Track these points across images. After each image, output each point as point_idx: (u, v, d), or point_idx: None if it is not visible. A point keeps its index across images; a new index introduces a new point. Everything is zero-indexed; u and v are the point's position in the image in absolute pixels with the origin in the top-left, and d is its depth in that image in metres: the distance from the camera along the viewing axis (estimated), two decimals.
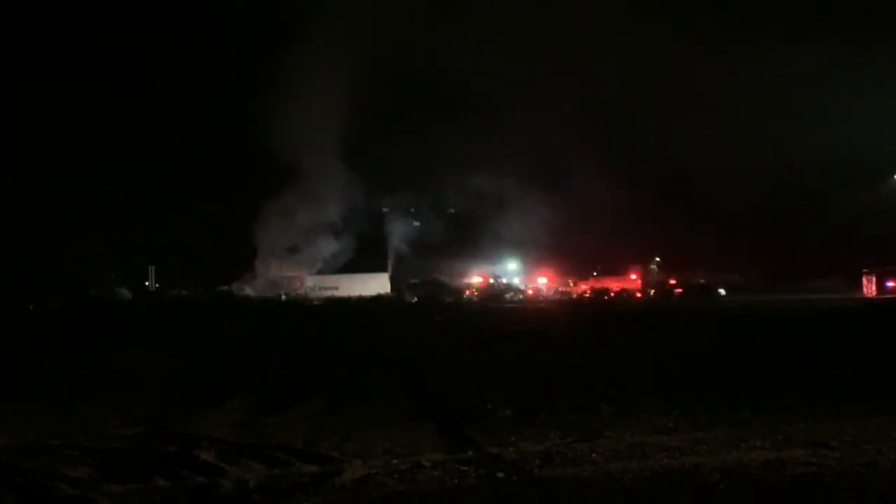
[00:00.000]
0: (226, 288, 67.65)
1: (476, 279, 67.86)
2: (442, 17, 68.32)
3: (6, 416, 10.58)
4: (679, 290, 59.35)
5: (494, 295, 63.72)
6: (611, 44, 65.39)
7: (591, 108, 66.72)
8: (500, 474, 7.22)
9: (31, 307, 50.45)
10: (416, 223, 74.47)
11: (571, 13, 67.49)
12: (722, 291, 57.36)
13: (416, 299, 60.95)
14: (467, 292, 65.32)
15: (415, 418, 10.04)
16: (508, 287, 67.55)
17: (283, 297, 64.66)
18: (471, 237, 71.14)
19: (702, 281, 60.56)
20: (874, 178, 68.19)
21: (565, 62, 68.41)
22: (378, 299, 60.35)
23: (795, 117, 65.46)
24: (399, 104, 77.54)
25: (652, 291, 62.60)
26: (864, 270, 53.56)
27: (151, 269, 69.30)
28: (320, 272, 72.93)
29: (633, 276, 65.02)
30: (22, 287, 54.74)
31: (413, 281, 67.05)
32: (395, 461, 7.75)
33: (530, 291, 66.42)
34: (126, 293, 63.41)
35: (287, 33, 68.21)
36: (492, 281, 68.14)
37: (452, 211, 75.17)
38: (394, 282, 69.73)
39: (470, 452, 8.07)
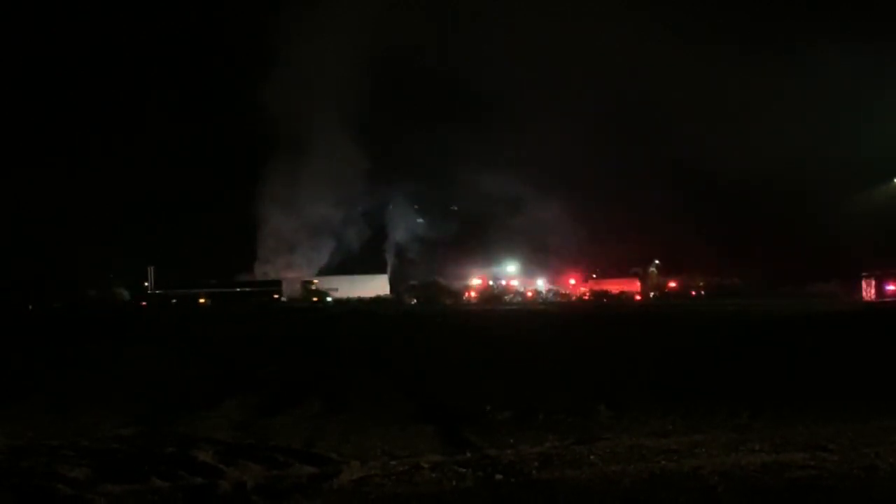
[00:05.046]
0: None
1: (475, 281, 67.83)
2: (454, 16, 68.35)
3: (4, 416, 10.56)
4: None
5: (494, 297, 63.75)
6: (616, 49, 65.50)
7: (595, 114, 66.76)
8: (499, 476, 7.21)
9: (30, 307, 50.50)
10: (420, 220, 74.51)
11: (582, 16, 67.56)
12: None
13: (415, 301, 60.98)
14: (466, 294, 65.29)
15: (413, 420, 10.02)
16: (508, 289, 67.51)
17: (283, 298, 64.63)
18: (471, 239, 71.11)
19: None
20: (874, 181, 68.27)
21: (573, 66, 68.53)
22: (377, 301, 60.37)
23: (796, 122, 65.53)
24: (406, 105, 77.58)
25: (651, 294, 62.72)
26: (864, 274, 53.55)
27: (151, 269, 68.99)
28: (320, 274, 72.84)
29: (633, 279, 65.13)
30: (21, 287, 54.71)
31: (412, 283, 67.08)
32: (393, 463, 7.74)
33: (529, 293, 66.39)
34: (125, 294, 63.38)
35: (287, 34, 68.13)
36: (491, 283, 68.12)
37: (455, 207, 75.30)
38: (393, 283, 69.68)
39: (468, 454, 8.06)
